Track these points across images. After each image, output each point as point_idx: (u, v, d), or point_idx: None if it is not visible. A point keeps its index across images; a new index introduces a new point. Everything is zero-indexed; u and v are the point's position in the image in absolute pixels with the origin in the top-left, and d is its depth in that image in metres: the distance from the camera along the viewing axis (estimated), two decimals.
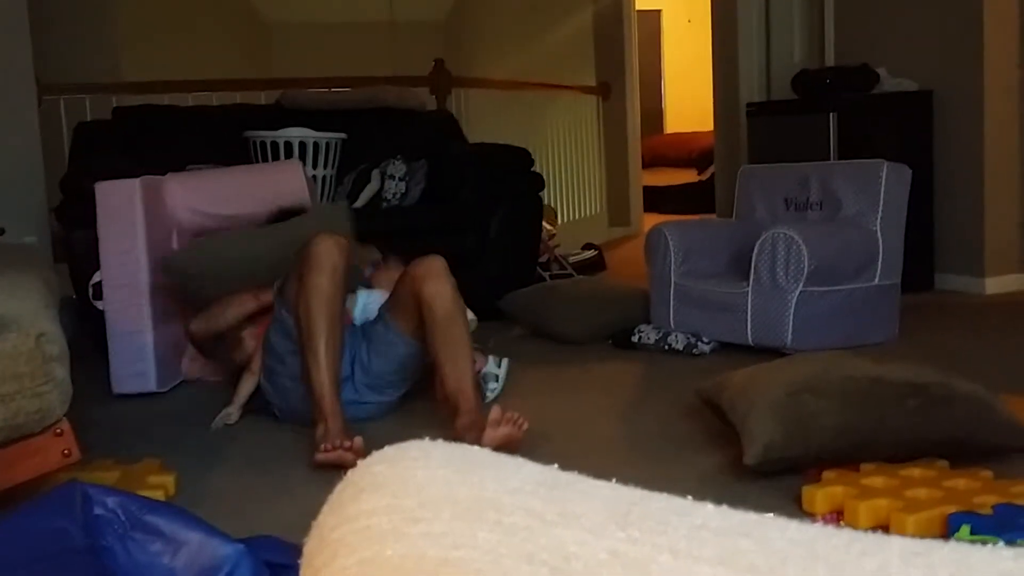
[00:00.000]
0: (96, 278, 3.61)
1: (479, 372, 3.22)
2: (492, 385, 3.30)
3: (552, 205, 6.88)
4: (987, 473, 2.18)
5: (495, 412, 2.62)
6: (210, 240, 3.55)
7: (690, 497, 0.47)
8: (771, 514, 0.45)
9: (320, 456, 2.52)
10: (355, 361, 3.02)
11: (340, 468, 2.49)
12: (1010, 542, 1.66)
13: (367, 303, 3.23)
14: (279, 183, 3.97)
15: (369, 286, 3.37)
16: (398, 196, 4.97)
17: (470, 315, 3.31)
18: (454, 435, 2.63)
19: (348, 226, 3.60)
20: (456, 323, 2.82)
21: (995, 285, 4.93)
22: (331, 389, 2.69)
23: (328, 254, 2.78)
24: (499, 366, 3.36)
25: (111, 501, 1.44)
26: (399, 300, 2.97)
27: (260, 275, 3.33)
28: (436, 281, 2.83)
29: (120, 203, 3.43)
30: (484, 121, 6.61)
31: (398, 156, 5.05)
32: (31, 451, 1.93)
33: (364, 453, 2.50)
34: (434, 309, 2.81)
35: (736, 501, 0.47)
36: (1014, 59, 4.91)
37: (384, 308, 3.08)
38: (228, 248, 3.49)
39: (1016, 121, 4.95)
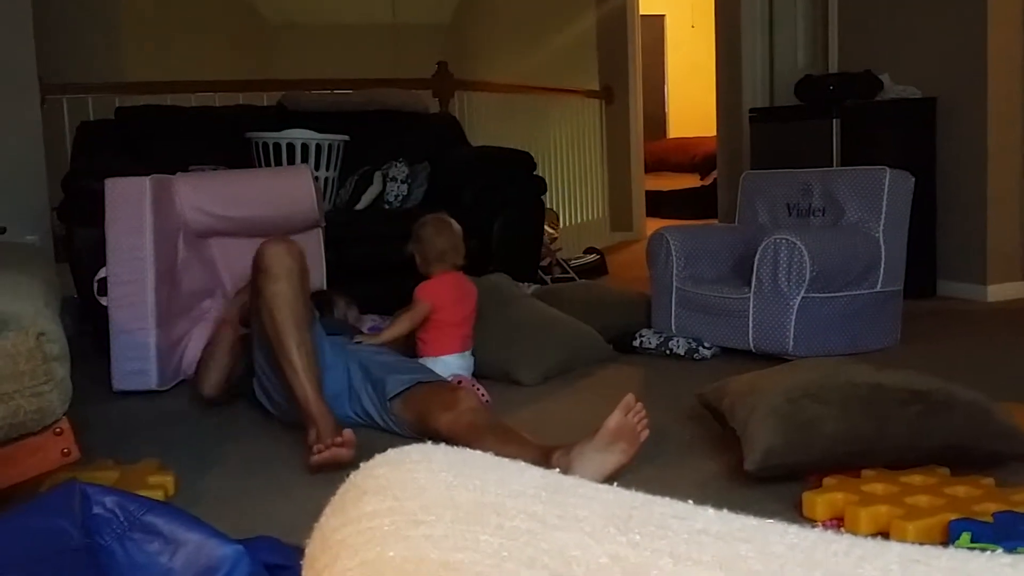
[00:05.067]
0: (101, 274, 3.61)
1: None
2: None
3: (554, 209, 6.89)
4: (988, 480, 2.18)
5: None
6: None
7: (691, 502, 0.47)
8: (771, 519, 0.45)
9: (315, 458, 2.51)
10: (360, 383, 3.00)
11: (339, 467, 2.49)
12: (1010, 550, 1.66)
13: (458, 367, 3.30)
14: (287, 187, 3.97)
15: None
16: (400, 198, 4.97)
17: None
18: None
19: None
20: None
21: (997, 292, 4.93)
22: (314, 392, 2.66)
23: (279, 259, 2.72)
24: None
25: (110, 501, 1.44)
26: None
27: None
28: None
29: (129, 200, 3.44)
30: (487, 124, 6.62)
31: (400, 158, 5.06)
32: (30, 450, 1.93)
33: (355, 443, 2.50)
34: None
35: (736, 506, 0.47)
36: (1018, 67, 4.91)
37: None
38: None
39: (1019, 129, 4.95)
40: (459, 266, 3.38)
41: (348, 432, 2.54)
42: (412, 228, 3.42)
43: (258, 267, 2.76)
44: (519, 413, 3.09)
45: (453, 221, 3.40)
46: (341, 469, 2.50)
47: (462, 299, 3.35)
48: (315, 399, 2.65)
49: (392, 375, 2.89)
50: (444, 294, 3.30)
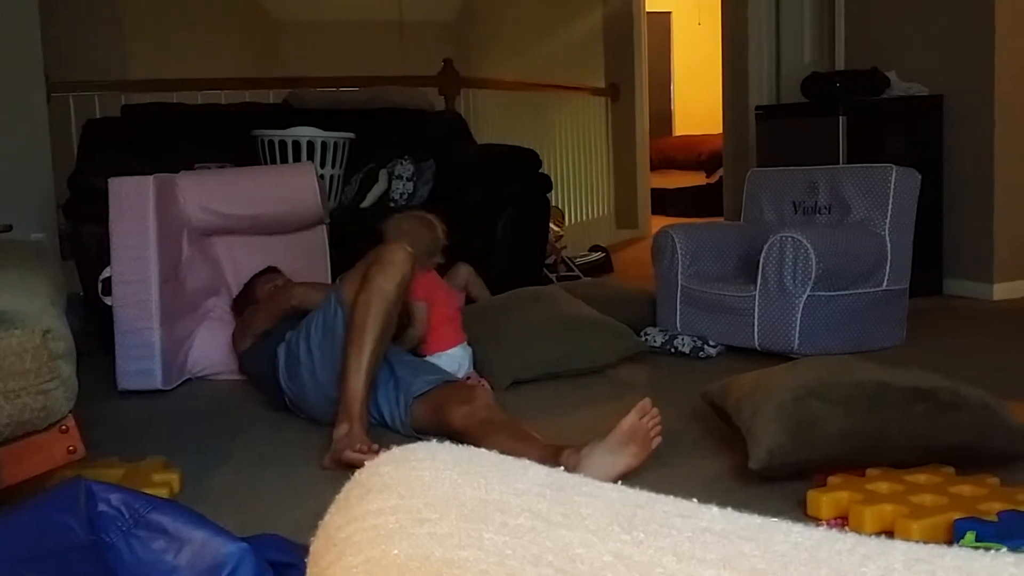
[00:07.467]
0: (106, 273, 3.62)
1: None
2: None
3: (560, 206, 6.88)
4: (993, 480, 2.18)
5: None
6: None
7: (695, 500, 0.47)
8: (775, 518, 0.45)
9: (348, 454, 2.51)
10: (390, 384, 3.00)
11: (349, 469, 2.49)
12: (1014, 549, 1.66)
13: (462, 359, 3.31)
14: (292, 185, 3.98)
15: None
16: (405, 196, 4.97)
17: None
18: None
19: None
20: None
21: (1003, 291, 4.92)
22: (364, 393, 2.69)
23: (402, 264, 2.77)
24: None
25: (115, 498, 1.44)
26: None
27: None
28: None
29: (133, 199, 3.44)
30: (492, 122, 6.62)
31: (406, 156, 5.06)
32: (36, 448, 1.94)
33: None
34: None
35: (741, 505, 0.47)
36: None
37: None
38: None
39: None
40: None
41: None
42: (391, 223, 3.42)
43: (377, 258, 2.80)
44: (525, 409, 3.09)
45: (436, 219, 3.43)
46: (348, 468, 2.50)
47: (451, 292, 3.38)
48: (363, 400, 2.69)
49: (420, 375, 2.93)
50: (435, 291, 3.32)
